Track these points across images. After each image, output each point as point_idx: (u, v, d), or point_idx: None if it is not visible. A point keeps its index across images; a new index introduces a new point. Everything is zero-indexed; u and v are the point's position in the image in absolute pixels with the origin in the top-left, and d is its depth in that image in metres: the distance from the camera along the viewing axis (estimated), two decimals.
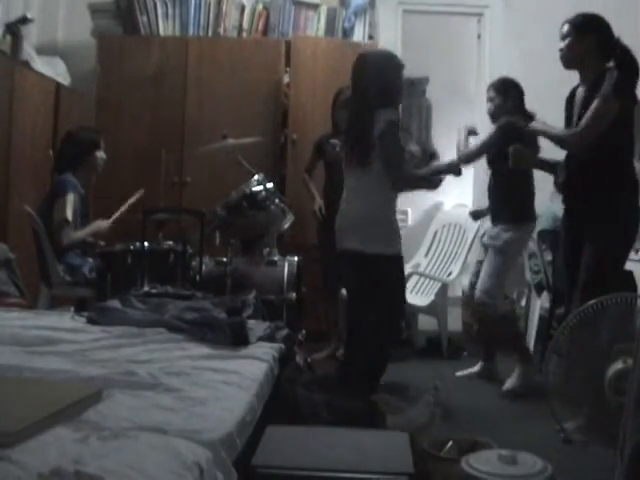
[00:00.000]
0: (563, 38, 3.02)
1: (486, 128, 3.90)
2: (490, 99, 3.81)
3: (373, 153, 2.96)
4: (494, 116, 3.78)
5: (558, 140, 3.06)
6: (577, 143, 2.97)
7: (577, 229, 3.06)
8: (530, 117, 3.59)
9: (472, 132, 3.92)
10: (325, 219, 4.09)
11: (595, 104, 2.89)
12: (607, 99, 2.85)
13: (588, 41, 2.96)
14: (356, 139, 3.05)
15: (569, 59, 3.02)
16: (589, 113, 2.90)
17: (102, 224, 3.84)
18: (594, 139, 2.90)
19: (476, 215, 4.31)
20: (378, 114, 2.96)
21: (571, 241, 3.12)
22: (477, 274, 3.85)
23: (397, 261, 3.05)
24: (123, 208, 3.87)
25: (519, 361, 3.70)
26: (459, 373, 3.98)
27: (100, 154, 3.87)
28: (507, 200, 3.71)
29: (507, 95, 3.74)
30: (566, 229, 3.18)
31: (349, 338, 3.18)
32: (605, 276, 2.91)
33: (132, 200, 3.88)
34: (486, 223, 3.95)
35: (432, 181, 3.23)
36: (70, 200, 3.68)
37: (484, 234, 3.91)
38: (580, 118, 2.98)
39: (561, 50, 3.04)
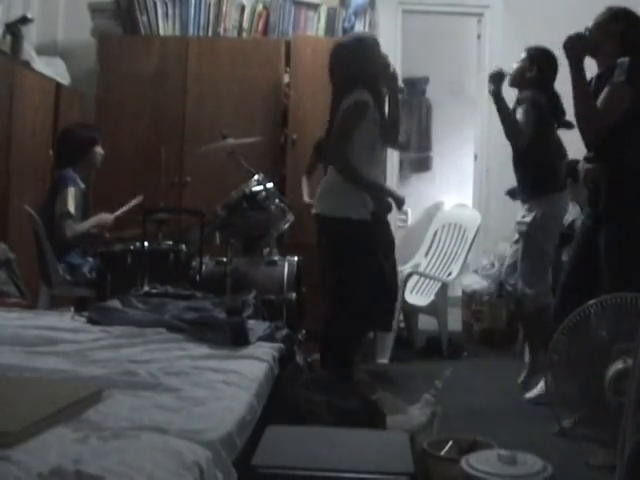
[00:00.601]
0: (595, 21, 2.95)
1: (485, 129, 3.91)
2: (519, 61, 3.63)
3: None
4: (512, 81, 3.64)
5: (580, 110, 2.87)
6: (591, 123, 2.82)
7: (595, 229, 2.94)
8: (556, 97, 3.52)
9: (501, 76, 3.62)
10: None
11: (605, 92, 2.78)
12: (618, 86, 2.75)
13: (616, 28, 2.90)
14: (329, 124, 3.16)
15: (590, 41, 2.88)
16: (600, 100, 2.79)
17: (106, 216, 3.85)
18: (603, 127, 2.78)
19: (512, 193, 4.07)
20: (348, 96, 3.02)
21: (587, 240, 3.01)
22: (511, 268, 3.74)
23: (359, 226, 3.04)
24: (123, 209, 3.88)
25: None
26: (528, 395, 3.45)
27: (98, 150, 3.87)
28: (526, 174, 3.60)
29: (534, 63, 3.56)
30: (585, 229, 3.08)
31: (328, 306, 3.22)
32: (629, 259, 2.79)
33: (132, 204, 3.89)
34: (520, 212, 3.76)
35: (374, 189, 3.15)
36: (71, 193, 3.68)
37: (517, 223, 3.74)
38: None
39: (585, 29, 2.92)
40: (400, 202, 3.23)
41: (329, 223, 3.10)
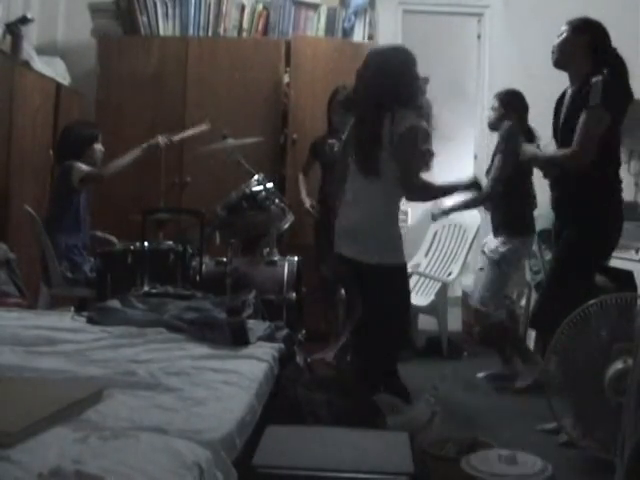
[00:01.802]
0: (559, 37, 2.99)
1: (485, 129, 3.91)
2: (493, 108, 3.82)
3: (384, 162, 2.72)
4: (491, 126, 3.83)
5: (555, 163, 3.02)
6: (576, 162, 2.87)
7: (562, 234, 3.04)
8: (531, 133, 3.68)
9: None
10: (322, 219, 4.11)
11: (584, 117, 2.80)
12: (596, 109, 2.77)
13: (581, 41, 2.91)
14: (365, 144, 2.78)
15: (559, 57, 2.98)
16: (579, 126, 2.81)
17: (158, 139, 3.82)
18: (593, 154, 2.82)
19: (434, 217, 4.23)
20: (396, 116, 2.69)
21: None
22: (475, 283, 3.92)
23: (397, 271, 2.85)
24: (187, 133, 3.91)
25: (522, 362, 3.71)
26: (480, 374, 3.89)
27: (98, 147, 3.87)
28: (507, 213, 3.72)
29: (509, 108, 3.74)
30: (555, 233, 3.17)
31: (355, 346, 3.09)
32: (569, 269, 2.91)
33: (198, 129, 3.92)
34: (488, 237, 3.93)
35: (448, 193, 3.09)
36: (79, 164, 3.70)
37: (485, 244, 3.91)
38: (566, 121, 2.93)
39: (553, 47, 3.00)
40: (474, 185, 3.05)
41: (363, 269, 2.82)
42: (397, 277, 2.86)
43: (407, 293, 3.08)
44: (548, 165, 3.11)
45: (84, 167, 3.69)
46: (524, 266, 4.28)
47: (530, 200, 3.81)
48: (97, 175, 3.73)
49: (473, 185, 3.06)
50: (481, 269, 3.91)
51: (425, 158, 2.93)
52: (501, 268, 3.73)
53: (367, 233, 2.80)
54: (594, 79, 2.79)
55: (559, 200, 3.08)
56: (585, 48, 2.90)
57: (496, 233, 3.80)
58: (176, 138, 3.89)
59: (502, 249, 3.70)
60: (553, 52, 3.00)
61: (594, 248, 2.94)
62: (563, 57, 2.97)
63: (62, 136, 3.97)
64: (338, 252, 2.91)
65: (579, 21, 2.97)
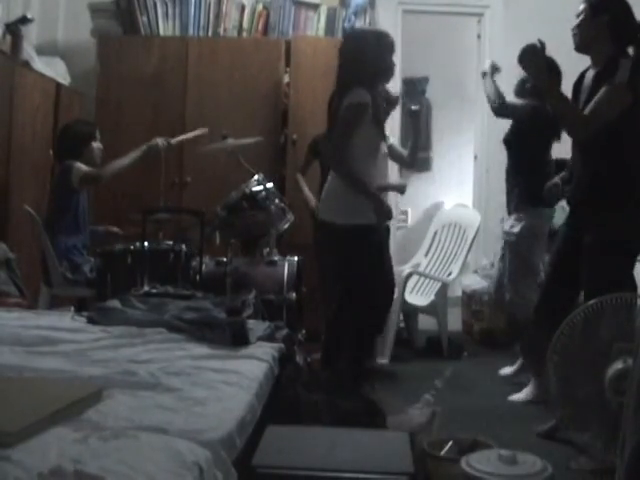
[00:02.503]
0: (577, 16, 2.83)
1: (485, 129, 3.91)
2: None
3: None
4: (516, 92, 3.72)
5: (564, 113, 2.82)
6: (581, 126, 2.75)
7: (578, 228, 2.90)
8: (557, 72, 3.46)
9: (496, 69, 3.83)
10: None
11: (604, 91, 2.68)
12: (619, 87, 2.65)
13: (600, 22, 2.74)
14: (329, 118, 3.08)
15: (579, 41, 2.82)
16: (596, 99, 2.70)
17: (157, 141, 3.82)
18: (599, 127, 2.69)
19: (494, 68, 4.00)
20: (348, 94, 2.91)
21: (570, 238, 2.97)
22: (500, 272, 3.79)
23: (360, 231, 2.97)
24: (186, 136, 3.95)
25: (534, 370, 3.62)
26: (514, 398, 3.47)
27: (96, 145, 3.86)
28: (520, 183, 3.63)
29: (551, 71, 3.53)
30: (567, 227, 3.04)
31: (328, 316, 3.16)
32: (611, 265, 2.73)
33: (195, 133, 3.95)
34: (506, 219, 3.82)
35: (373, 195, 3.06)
36: (78, 164, 3.70)
37: (503, 229, 3.81)
38: (587, 103, 2.76)
39: (572, 30, 2.84)
40: (387, 214, 3.09)
41: (335, 229, 3.02)
42: (357, 237, 2.96)
43: (371, 257, 3.05)
44: (559, 108, 2.83)
45: (84, 167, 3.69)
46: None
47: (548, 171, 3.60)
48: (96, 175, 3.73)
49: (400, 188, 3.18)
50: (502, 257, 3.79)
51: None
52: (520, 254, 3.61)
53: (332, 195, 3.06)
54: (623, 60, 2.68)
55: (578, 199, 2.92)
56: (605, 29, 2.74)
57: (511, 206, 3.70)
58: (174, 141, 3.89)
59: (516, 228, 3.60)
60: (574, 35, 2.83)
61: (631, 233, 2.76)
62: (583, 42, 2.81)
63: (60, 135, 3.98)
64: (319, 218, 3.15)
65: (597, 1, 2.78)
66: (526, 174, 3.63)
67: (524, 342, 3.60)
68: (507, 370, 3.87)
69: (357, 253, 2.99)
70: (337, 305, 3.06)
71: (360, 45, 3.01)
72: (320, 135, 4.23)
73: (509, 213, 3.76)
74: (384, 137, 3.18)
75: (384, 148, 3.37)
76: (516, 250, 3.65)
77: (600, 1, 2.79)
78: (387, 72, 3.07)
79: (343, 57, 3.04)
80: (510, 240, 3.66)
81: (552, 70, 3.44)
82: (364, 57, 2.96)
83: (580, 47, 2.85)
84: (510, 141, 3.76)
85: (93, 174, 3.72)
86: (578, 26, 2.83)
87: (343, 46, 3.08)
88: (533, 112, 3.54)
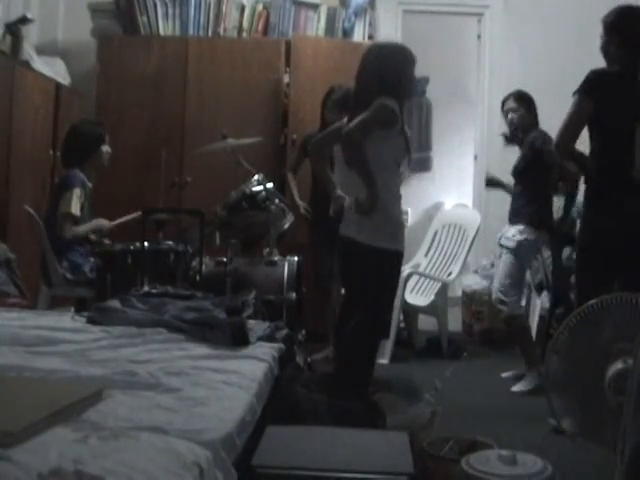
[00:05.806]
0: (601, 37, 2.94)
1: (485, 129, 3.92)
2: (512, 109, 3.77)
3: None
4: (520, 126, 3.76)
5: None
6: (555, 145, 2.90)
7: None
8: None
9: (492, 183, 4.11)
10: (315, 217, 4.11)
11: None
12: (575, 96, 2.77)
13: (613, 40, 2.88)
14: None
15: (606, 61, 2.93)
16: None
17: (104, 222, 3.84)
18: (568, 143, 2.82)
19: (491, 182, 4.26)
20: (376, 100, 2.74)
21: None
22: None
23: (391, 257, 2.81)
24: (121, 220, 3.87)
25: (527, 364, 3.70)
26: (515, 388, 3.68)
27: (106, 148, 3.86)
28: (529, 202, 3.72)
29: (530, 106, 3.75)
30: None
31: (338, 335, 3.03)
32: None
33: (130, 217, 3.85)
34: (504, 227, 3.89)
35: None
36: (77, 194, 3.68)
37: (500, 236, 3.85)
38: None
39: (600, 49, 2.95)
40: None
41: (365, 251, 2.80)
42: (388, 263, 2.81)
43: (395, 284, 2.97)
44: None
45: (73, 205, 3.66)
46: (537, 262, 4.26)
47: (551, 199, 3.82)
48: (67, 227, 3.67)
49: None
50: (500, 257, 3.88)
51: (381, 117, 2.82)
52: (518, 257, 3.71)
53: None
54: None
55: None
56: (617, 45, 2.86)
57: (514, 220, 3.76)
58: (114, 223, 3.86)
59: (519, 237, 3.69)
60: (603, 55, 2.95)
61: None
62: (606, 60, 2.92)
63: (68, 136, 3.93)
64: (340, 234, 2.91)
65: (610, 18, 2.89)
66: (531, 194, 3.73)
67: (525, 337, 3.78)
68: (509, 374, 3.91)
69: (381, 276, 2.83)
70: (352, 337, 2.84)
71: (383, 54, 2.91)
72: (312, 134, 4.21)
73: (511, 223, 3.80)
74: (409, 154, 3.01)
75: (405, 169, 3.17)
76: (514, 254, 3.72)
77: (610, 21, 2.88)
78: (410, 83, 2.94)
79: (366, 65, 2.89)
80: (509, 245, 3.72)
81: (530, 105, 3.76)
82: (389, 66, 2.85)
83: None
84: (518, 171, 3.80)
85: (68, 223, 3.68)
86: (600, 48, 2.91)
87: (367, 54, 2.94)
88: (532, 146, 3.69)
